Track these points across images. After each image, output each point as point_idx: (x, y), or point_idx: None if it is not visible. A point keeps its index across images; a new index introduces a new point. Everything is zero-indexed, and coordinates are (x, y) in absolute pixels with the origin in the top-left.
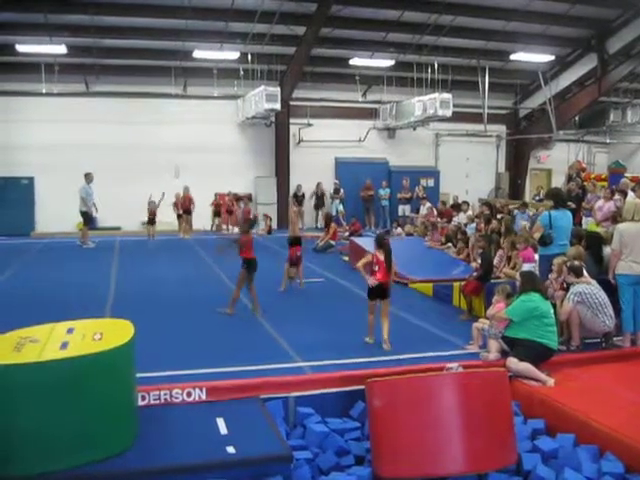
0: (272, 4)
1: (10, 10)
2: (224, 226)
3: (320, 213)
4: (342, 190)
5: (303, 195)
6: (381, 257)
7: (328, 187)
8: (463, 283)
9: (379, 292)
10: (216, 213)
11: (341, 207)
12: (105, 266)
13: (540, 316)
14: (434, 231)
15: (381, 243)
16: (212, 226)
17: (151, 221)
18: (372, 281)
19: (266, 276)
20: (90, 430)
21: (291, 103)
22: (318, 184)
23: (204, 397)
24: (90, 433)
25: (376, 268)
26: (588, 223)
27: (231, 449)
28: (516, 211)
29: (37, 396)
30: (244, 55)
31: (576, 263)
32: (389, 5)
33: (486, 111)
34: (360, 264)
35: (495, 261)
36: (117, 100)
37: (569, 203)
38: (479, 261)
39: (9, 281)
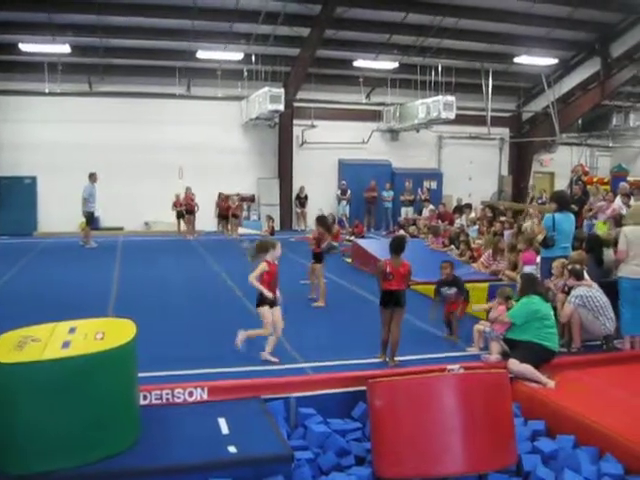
0: (276, 5)
1: (13, 9)
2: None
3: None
4: (349, 191)
5: (306, 197)
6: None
7: (330, 189)
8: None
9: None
10: (220, 215)
11: (348, 208)
12: (107, 266)
13: (541, 318)
14: (436, 235)
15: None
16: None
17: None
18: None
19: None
20: (91, 429)
21: (295, 104)
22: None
23: (206, 397)
24: (91, 432)
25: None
26: (595, 222)
27: (232, 449)
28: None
29: (38, 395)
30: (248, 56)
31: (577, 266)
32: (393, 7)
33: (489, 114)
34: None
35: (483, 258)
36: (120, 100)
37: (572, 206)
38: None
39: (11, 281)
